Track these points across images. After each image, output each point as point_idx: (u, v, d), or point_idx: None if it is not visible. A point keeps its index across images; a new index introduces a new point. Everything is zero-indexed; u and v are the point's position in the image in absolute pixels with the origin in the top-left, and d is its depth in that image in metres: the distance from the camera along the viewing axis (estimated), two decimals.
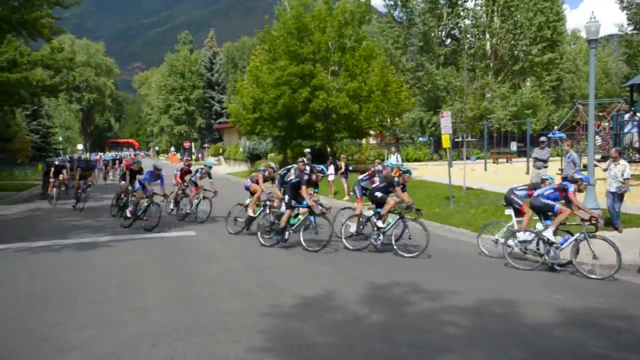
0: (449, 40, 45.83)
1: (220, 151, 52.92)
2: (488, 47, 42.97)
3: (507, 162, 33.91)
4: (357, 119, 25.88)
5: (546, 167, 15.21)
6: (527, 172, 21.73)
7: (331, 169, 19.75)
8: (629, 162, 18.42)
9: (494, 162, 32.80)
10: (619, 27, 49.71)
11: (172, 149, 75.04)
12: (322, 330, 6.03)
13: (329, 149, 27.99)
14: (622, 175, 11.74)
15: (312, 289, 7.71)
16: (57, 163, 21.23)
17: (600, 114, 28.77)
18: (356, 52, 26.18)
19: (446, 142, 16.04)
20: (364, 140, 35.73)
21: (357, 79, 25.25)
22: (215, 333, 5.93)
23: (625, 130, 20.58)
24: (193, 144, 75.38)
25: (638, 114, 21.20)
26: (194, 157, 68.03)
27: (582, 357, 5.27)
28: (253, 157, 36.79)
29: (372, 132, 31.20)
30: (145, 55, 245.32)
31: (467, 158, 31.63)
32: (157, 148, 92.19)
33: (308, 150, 24.61)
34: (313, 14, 26.17)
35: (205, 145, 67.28)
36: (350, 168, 22.05)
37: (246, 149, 38.13)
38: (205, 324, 6.25)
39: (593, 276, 8.44)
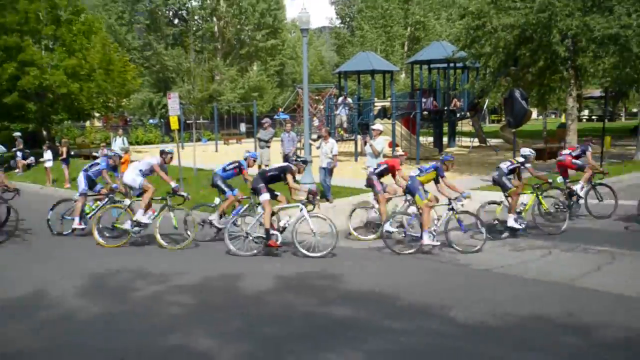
0: (177, 20, 45.23)
1: None
2: (216, 30, 43.74)
3: (237, 142, 35.21)
4: (77, 100, 23.75)
5: (268, 147, 16.24)
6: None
7: (48, 154, 17.78)
8: (339, 140, 20.88)
9: (225, 143, 33.70)
10: (329, 20, 55.41)
11: None
12: (30, 333, 5.41)
13: (45, 133, 25.14)
14: (332, 152, 13.21)
15: (21, 289, 6.85)
16: None
17: (317, 97, 31.91)
18: (73, 25, 23.92)
19: (174, 124, 15.82)
20: (87, 123, 33.10)
21: (76, 56, 23.12)
22: None
23: (337, 112, 23.25)
24: None
25: (348, 99, 24.18)
26: None
27: (291, 318, 5.81)
28: None
29: (96, 113, 29.07)
30: None
31: (199, 140, 31.89)
32: None
33: (18, 134, 21.68)
34: None
35: None
36: (72, 153, 20.17)
37: None
38: None
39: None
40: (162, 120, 39.91)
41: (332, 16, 69.93)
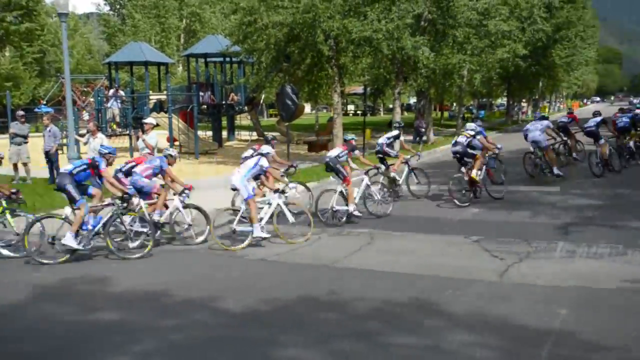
0: None
1: None
2: None
3: None
4: None
5: (26, 142, 14.61)
6: (9, 149, 20.27)
7: None
8: (111, 135, 19.65)
9: None
10: (97, 6, 51.61)
11: None
12: None
13: None
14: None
15: None
16: None
17: (86, 89, 29.45)
18: None
19: None
20: None
21: None
22: None
23: (108, 105, 21.75)
24: None
25: (120, 91, 22.75)
26: None
27: (51, 331, 5.28)
28: None
29: None
30: None
31: None
32: None
33: None
34: None
35: None
36: None
37: None
38: None
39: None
40: None
41: (100, 2, 65.13)
